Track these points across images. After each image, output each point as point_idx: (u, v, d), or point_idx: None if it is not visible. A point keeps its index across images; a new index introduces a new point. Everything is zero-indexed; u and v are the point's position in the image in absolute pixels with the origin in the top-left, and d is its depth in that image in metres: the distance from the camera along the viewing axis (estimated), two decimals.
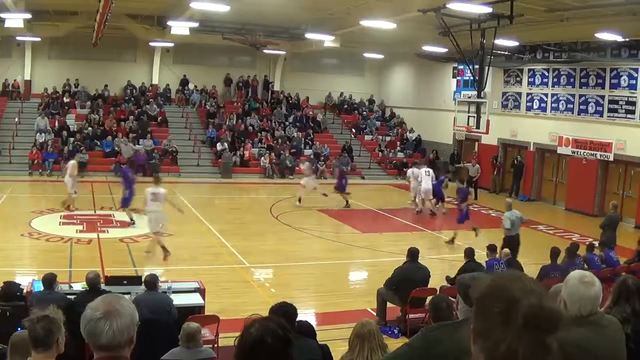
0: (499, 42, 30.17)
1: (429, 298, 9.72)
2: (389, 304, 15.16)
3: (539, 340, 2.37)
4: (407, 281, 14.63)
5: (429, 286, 14.98)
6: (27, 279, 14.75)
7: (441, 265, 16.91)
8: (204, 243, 23.61)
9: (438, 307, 7.00)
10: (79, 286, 13.35)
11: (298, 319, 8.85)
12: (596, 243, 20.98)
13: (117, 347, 3.59)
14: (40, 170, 38.29)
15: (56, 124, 42.61)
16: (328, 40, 38.84)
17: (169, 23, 36.53)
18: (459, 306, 5.69)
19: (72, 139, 40.83)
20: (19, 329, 7.59)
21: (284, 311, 8.25)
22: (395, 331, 14.29)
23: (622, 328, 5.01)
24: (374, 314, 15.21)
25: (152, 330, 9.41)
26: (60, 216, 26.81)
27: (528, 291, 2.44)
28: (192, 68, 48.72)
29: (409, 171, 33.35)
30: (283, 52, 46.72)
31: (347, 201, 32.03)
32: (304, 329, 9.19)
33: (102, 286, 12.43)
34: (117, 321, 3.57)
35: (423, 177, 30.94)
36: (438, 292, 13.51)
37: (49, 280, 12.35)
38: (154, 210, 20.87)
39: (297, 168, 40.82)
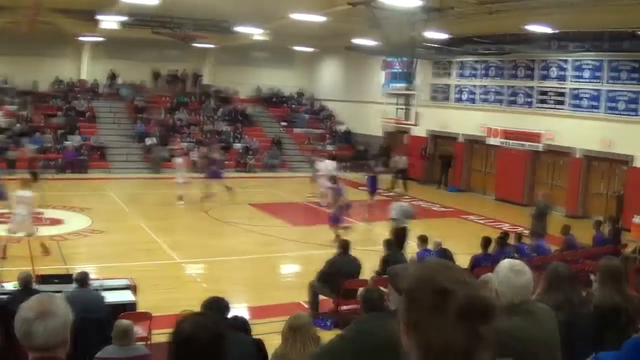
0: (429, 34, 30.37)
1: (360, 289, 9.81)
2: (321, 297, 15.22)
3: (474, 331, 2.38)
4: (338, 273, 14.70)
5: (360, 278, 15.05)
6: None
7: (372, 257, 16.96)
8: (134, 239, 23.43)
9: (369, 298, 7.05)
10: (11, 286, 13.21)
11: (231, 313, 8.87)
12: (526, 232, 21.30)
13: (52, 347, 3.55)
14: None
15: None
16: (257, 34, 38.82)
17: (98, 17, 36.20)
18: (390, 297, 5.73)
19: (1, 136, 40.28)
20: None
21: (216, 306, 8.26)
22: (328, 323, 14.34)
23: (555, 315, 5.09)
24: (307, 306, 15.26)
25: (85, 328, 9.36)
26: None
27: (459, 281, 2.44)
28: (121, 62, 48.20)
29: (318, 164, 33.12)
30: (212, 46, 46.51)
31: (227, 187, 31.75)
32: (237, 324, 9.21)
33: (34, 285, 12.32)
34: (51, 322, 3.53)
35: (325, 170, 30.97)
36: (369, 284, 13.60)
37: None
38: (19, 214, 20.66)
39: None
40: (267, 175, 41.21)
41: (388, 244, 16.48)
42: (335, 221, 24.07)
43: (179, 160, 32.40)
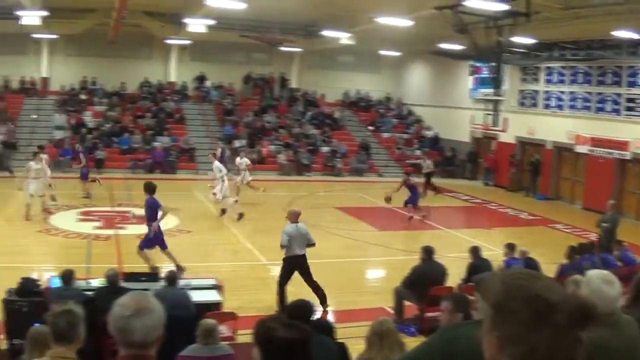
0: (516, 39, 30.08)
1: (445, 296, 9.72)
2: (406, 302, 15.15)
3: (577, 338, 2.34)
4: (424, 279, 14.61)
5: (446, 285, 14.94)
6: (45, 275, 14.84)
7: (458, 264, 16.80)
8: (221, 240, 23.67)
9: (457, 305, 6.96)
10: (97, 282, 13.42)
11: (316, 316, 8.88)
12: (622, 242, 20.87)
13: (148, 344, 3.65)
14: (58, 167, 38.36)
15: (74, 120, 42.72)
16: (344, 38, 38.85)
17: (185, 20, 36.58)
18: (478, 305, 5.67)
19: (89, 136, 40.91)
20: (35, 324, 7.64)
21: (301, 309, 8.27)
22: (413, 330, 14.27)
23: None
24: (391, 312, 15.19)
25: (172, 326, 9.44)
26: (78, 212, 26.91)
27: (555, 290, 2.40)
28: (209, 65, 48.72)
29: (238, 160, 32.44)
30: (299, 50, 46.67)
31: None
32: (322, 326, 9.21)
33: (121, 282, 12.49)
34: (149, 318, 3.63)
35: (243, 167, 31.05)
36: (454, 291, 13.49)
37: (67, 276, 12.43)
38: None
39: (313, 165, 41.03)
40: (354, 179, 41.15)
41: (474, 251, 16.30)
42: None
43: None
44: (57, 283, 12.85)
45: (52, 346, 5.16)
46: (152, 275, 14.15)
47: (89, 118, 43.55)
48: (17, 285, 12.88)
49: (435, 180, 37.81)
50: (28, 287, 12.84)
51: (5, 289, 13.00)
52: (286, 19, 39.26)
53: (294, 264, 16.17)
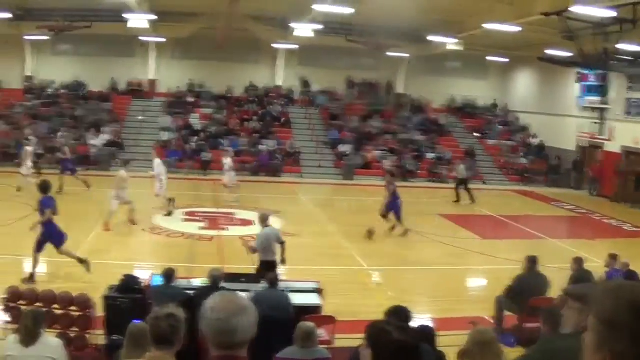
0: (623, 46, 29.51)
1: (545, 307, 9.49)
2: (506, 312, 14.94)
3: None
4: (525, 289, 14.39)
5: (548, 296, 14.69)
6: (147, 273, 15.04)
7: (560, 274, 16.46)
8: (324, 244, 23.70)
9: (554, 318, 6.85)
10: (198, 282, 13.56)
11: (420, 323, 8.80)
12: None
13: (241, 345, 3.69)
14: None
15: (180, 122, 43.33)
16: (450, 43, 38.61)
17: (292, 25, 36.78)
18: (568, 317, 5.55)
19: (195, 138, 41.42)
20: (135, 321, 7.73)
21: (399, 315, 8.22)
22: (512, 340, 14.06)
23: None
24: (491, 321, 15.01)
25: (270, 328, 9.47)
26: (183, 213, 27.25)
27: None
28: (315, 70, 48.97)
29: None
30: (406, 55, 46.47)
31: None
32: (424, 333, 9.13)
33: (222, 283, 12.58)
34: (245, 319, 3.66)
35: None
36: (556, 302, 13.27)
37: (169, 275, 12.58)
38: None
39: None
40: None
41: (577, 262, 15.98)
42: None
43: None
44: (158, 281, 13.04)
45: (152, 349, 5.19)
46: (253, 277, 14.22)
47: (195, 120, 44.10)
48: (118, 282, 13.08)
49: (540, 190, 37.32)
50: (129, 284, 13.03)
51: (107, 286, 13.21)
52: (393, 24, 39.15)
53: (272, 267, 15.78)
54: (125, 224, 24.40)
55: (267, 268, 15.36)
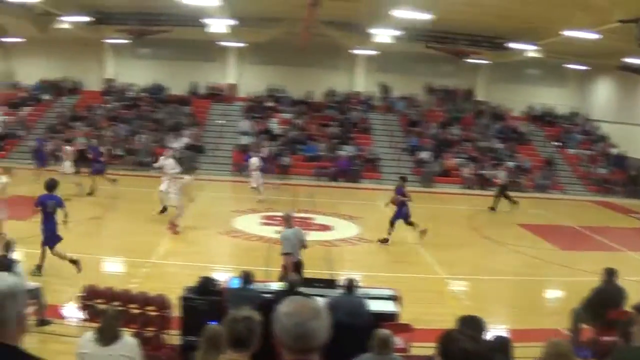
0: None
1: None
2: (582, 325, 14.68)
3: None
4: (603, 302, 14.14)
5: (623, 308, 14.40)
6: (225, 276, 15.10)
7: (637, 287, 16.13)
8: (400, 251, 23.61)
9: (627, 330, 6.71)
10: (275, 286, 13.57)
11: (495, 333, 8.68)
12: None
13: (314, 349, 3.70)
14: (242, 172, 39.20)
15: (260, 127, 43.56)
16: (530, 50, 38.30)
17: (371, 31, 36.77)
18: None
19: (275, 142, 41.60)
20: (211, 323, 7.73)
21: (473, 324, 8.10)
22: (587, 353, 13.80)
23: None
24: (566, 333, 14.75)
25: (346, 334, 9.40)
26: (260, 217, 27.35)
27: None
28: (394, 76, 48.86)
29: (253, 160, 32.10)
30: (485, 62, 46.16)
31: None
32: (499, 344, 9.00)
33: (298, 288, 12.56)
34: (318, 324, 3.68)
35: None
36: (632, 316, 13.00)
37: (246, 278, 12.62)
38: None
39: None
40: (537, 195, 40.27)
41: (608, 273, 15.63)
42: None
43: None
44: (235, 284, 13.08)
45: (227, 351, 5.18)
46: (329, 282, 14.18)
47: (274, 125, 44.29)
48: (195, 284, 13.13)
49: (618, 200, 36.76)
50: (207, 286, 13.10)
51: (184, 287, 13.28)
52: (473, 30, 38.96)
53: (297, 268, 15.93)
54: (202, 227, 24.58)
55: (293, 269, 15.61)
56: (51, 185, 18.24)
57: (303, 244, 16.42)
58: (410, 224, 24.65)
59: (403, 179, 25.60)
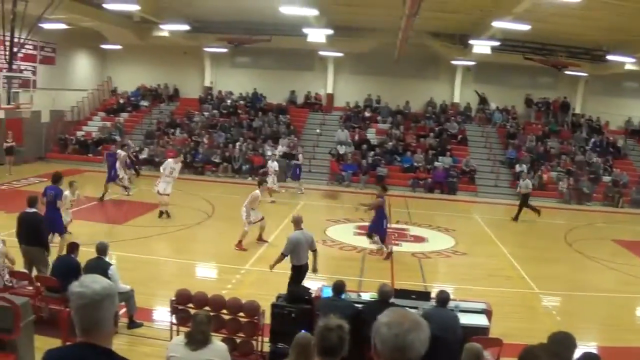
0: None
1: None
2: None
3: None
4: None
5: None
6: (317, 285, 15.15)
7: None
8: (495, 265, 23.39)
9: None
10: (367, 296, 13.55)
11: (585, 350, 8.55)
12: None
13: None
14: (339, 181, 39.38)
15: (357, 137, 43.62)
16: (629, 63, 37.69)
17: (471, 42, 36.61)
18: None
19: (371, 153, 41.58)
20: (302, 331, 7.77)
21: (564, 342, 7.99)
22: None
23: None
24: None
25: (438, 348, 9.35)
26: (355, 226, 27.36)
27: None
28: (491, 87, 48.40)
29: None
30: (584, 74, 45.44)
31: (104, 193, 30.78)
32: None
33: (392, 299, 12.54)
34: (419, 335, 3.67)
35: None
36: None
37: (338, 287, 12.60)
38: None
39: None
40: (634, 211, 39.34)
41: None
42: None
43: None
44: (328, 293, 13.08)
45: (316, 359, 5.21)
46: (423, 295, 14.10)
47: (372, 135, 44.31)
48: (287, 292, 13.19)
49: None
50: (299, 294, 13.15)
51: (276, 294, 13.36)
52: (572, 42, 38.46)
53: (304, 272, 16.03)
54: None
55: (298, 273, 15.81)
56: (56, 178, 19.68)
57: (312, 247, 16.42)
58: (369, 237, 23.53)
59: (383, 188, 24.45)
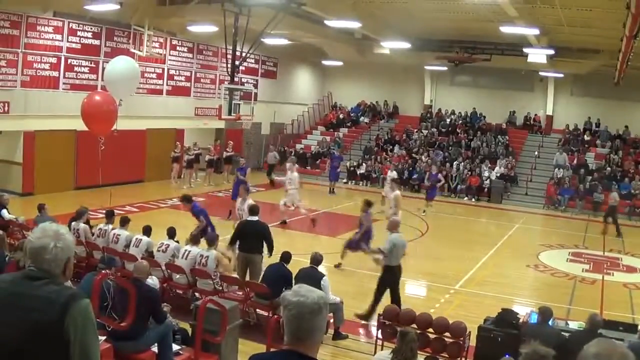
0: None
1: None
2: None
3: None
4: None
5: None
6: (525, 310, 15.05)
7: None
8: None
9: None
10: (575, 325, 13.35)
11: None
12: None
13: None
14: (555, 205, 38.76)
15: (575, 160, 42.88)
16: None
17: None
18: None
19: (589, 178, 40.76)
20: (506, 355, 7.84)
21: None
22: None
23: None
24: None
25: None
26: (569, 253, 26.91)
27: None
28: None
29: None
30: None
31: None
32: None
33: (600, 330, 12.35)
34: None
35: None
36: None
37: (546, 314, 12.33)
38: None
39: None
40: None
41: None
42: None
43: None
44: (535, 319, 12.97)
45: None
46: (630, 326, 13.81)
47: (590, 159, 43.44)
48: (496, 315, 13.18)
49: None
50: (507, 318, 13.09)
51: (484, 317, 13.38)
52: None
53: (398, 273, 15.84)
54: (510, 258, 24.62)
55: (398, 272, 16.08)
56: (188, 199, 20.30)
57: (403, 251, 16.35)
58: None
59: (368, 203, 22.38)
